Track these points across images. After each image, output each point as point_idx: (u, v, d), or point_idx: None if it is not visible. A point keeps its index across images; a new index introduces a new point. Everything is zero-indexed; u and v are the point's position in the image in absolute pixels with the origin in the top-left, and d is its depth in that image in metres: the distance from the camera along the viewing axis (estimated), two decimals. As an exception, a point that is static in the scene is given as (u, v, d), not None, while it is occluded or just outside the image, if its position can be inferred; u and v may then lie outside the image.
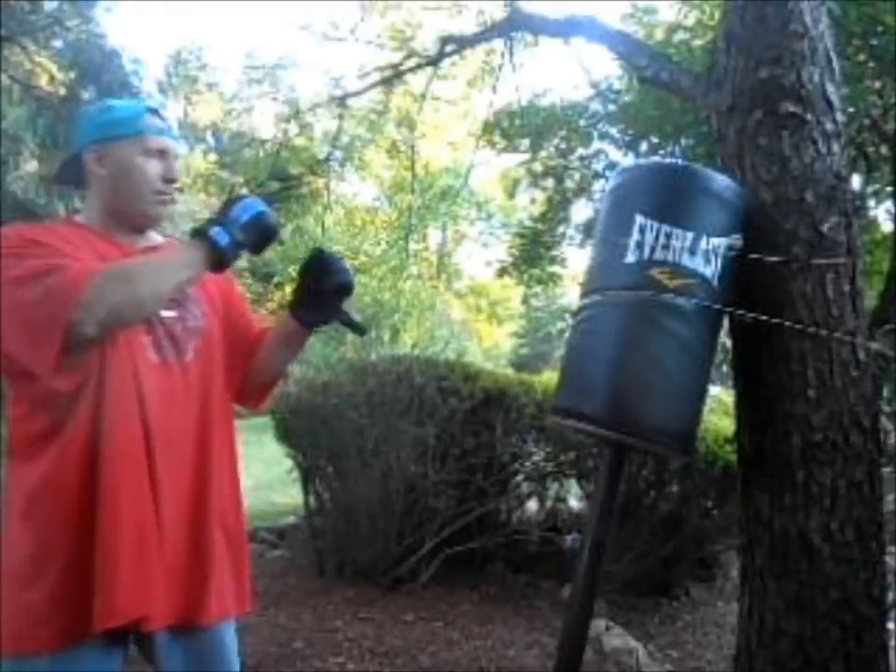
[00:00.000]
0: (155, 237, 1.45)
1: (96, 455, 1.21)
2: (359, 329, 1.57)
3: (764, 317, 1.72)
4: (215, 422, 1.36)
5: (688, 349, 1.67)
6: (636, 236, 1.67)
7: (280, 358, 1.53)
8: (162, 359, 1.29)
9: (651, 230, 1.66)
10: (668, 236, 1.65)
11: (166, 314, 1.31)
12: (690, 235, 1.65)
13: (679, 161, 1.97)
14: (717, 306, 1.68)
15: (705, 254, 1.66)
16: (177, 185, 1.41)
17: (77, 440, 1.21)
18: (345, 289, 1.41)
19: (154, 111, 1.40)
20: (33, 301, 1.16)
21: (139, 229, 1.40)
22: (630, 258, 1.66)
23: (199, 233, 1.25)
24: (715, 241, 1.68)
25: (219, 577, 1.33)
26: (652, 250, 1.65)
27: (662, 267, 1.63)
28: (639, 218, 1.67)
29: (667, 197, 1.71)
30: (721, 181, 1.75)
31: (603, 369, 1.67)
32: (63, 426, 1.21)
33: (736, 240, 1.72)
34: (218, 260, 1.25)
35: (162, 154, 1.37)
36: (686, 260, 1.65)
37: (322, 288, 1.39)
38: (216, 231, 1.23)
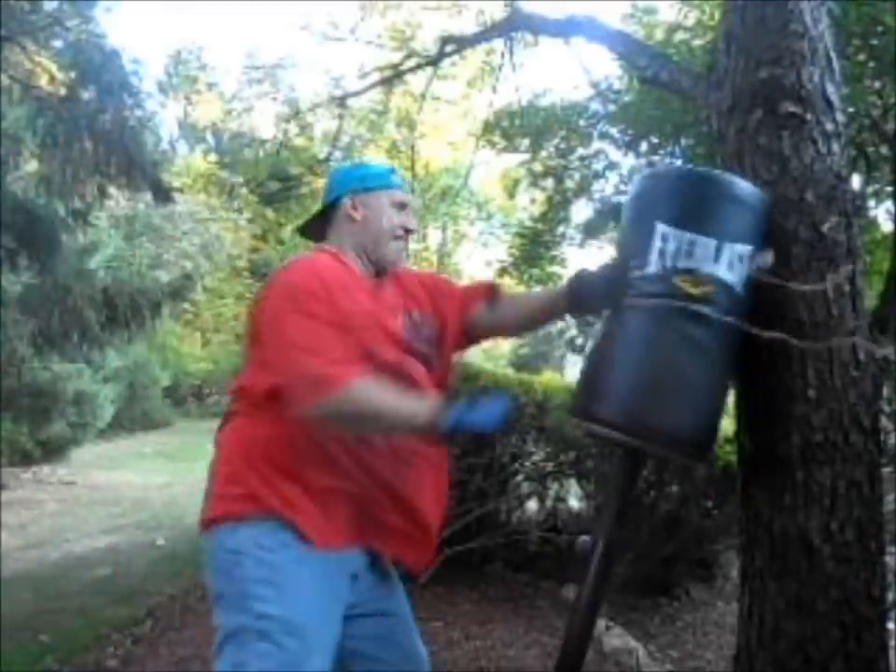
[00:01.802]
0: (389, 279, 1.65)
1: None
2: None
3: (782, 335, 1.71)
4: None
5: (710, 357, 1.66)
6: (658, 244, 1.66)
7: (528, 323, 1.84)
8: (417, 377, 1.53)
9: (674, 238, 1.65)
10: (692, 243, 1.64)
11: (416, 344, 1.56)
12: (713, 243, 1.64)
13: (700, 167, 1.95)
14: (738, 315, 1.68)
15: (728, 261, 1.65)
16: (413, 234, 1.65)
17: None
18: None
19: (394, 171, 1.68)
20: (294, 364, 1.38)
21: (379, 271, 1.61)
22: (653, 267, 1.65)
23: (445, 410, 1.38)
24: (738, 247, 1.66)
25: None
26: (675, 258, 1.64)
27: (684, 275, 1.63)
28: (661, 227, 1.66)
29: (689, 204, 1.70)
30: (743, 186, 1.73)
31: (623, 374, 1.67)
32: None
33: (767, 258, 1.73)
34: (437, 436, 1.42)
35: (404, 207, 1.62)
36: (710, 268, 1.64)
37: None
38: (451, 413, 1.37)
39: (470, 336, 1.73)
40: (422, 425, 1.39)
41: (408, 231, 1.61)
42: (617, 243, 1.92)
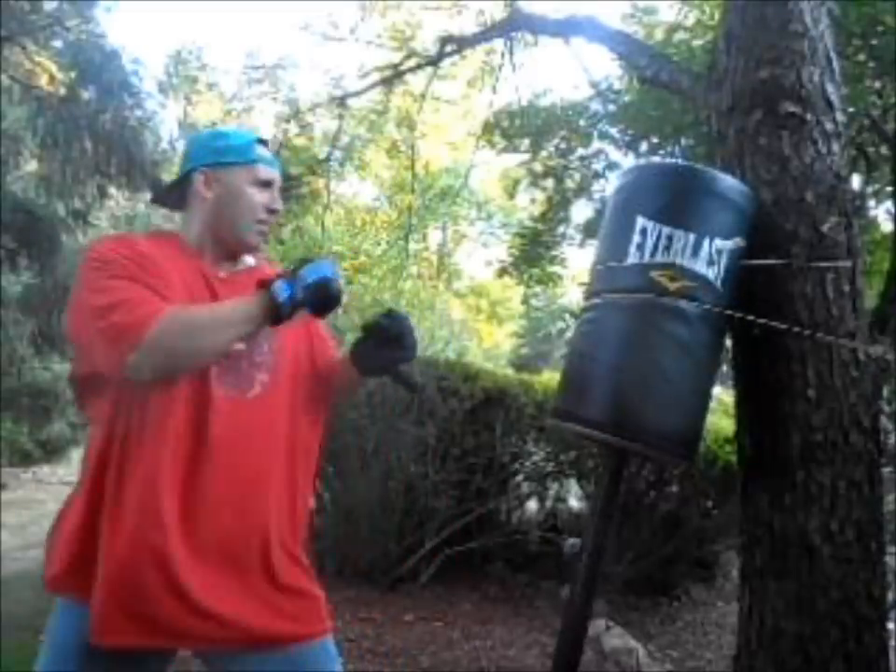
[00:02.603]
0: (247, 261, 1.46)
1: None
2: (412, 387, 1.50)
3: (763, 320, 1.71)
4: (282, 453, 1.36)
5: (690, 352, 1.65)
6: (636, 238, 1.65)
7: (337, 392, 1.52)
8: (225, 392, 1.29)
9: (652, 231, 1.64)
10: (669, 238, 1.63)
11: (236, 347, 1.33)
12: (692, 237, 1.63)
13: (683, 162, 1.94)
14: (716, 308, 1.66)
15: (708, 256, 1.64)
16: (279, 215, 1.44)
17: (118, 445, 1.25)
18: (406, 360, 1.38)
19: (263, 141, 1.45)
20: (96, 330, 1.21)
21: (233, 255, 1.42)
22: (630, 260, 1.64)
23: (264, 286, 1.24)
24: (719, 242, 1.65)
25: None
26: (653, 252, 1.63)
27: (662, 269, 1.61)
28: (640, 220, 1.65)
29: (669, 198, 1.69)
30: (725, 181, 1.73)
31: (604, 372, 1.66)
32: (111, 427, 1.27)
33: (738, 242, 1.70)
34: (276, 315, 1.24)
35: (269, 184, 1.40)
36: (688, 262, 1.62)
37: (384, 355, 1.36)
38: (278, 286, 1.22)
39: (326, 387, 1.49)
40: (258, 312, 1.22)
41: (272, 212, 1.41)
42: (599, 237, 1.90)
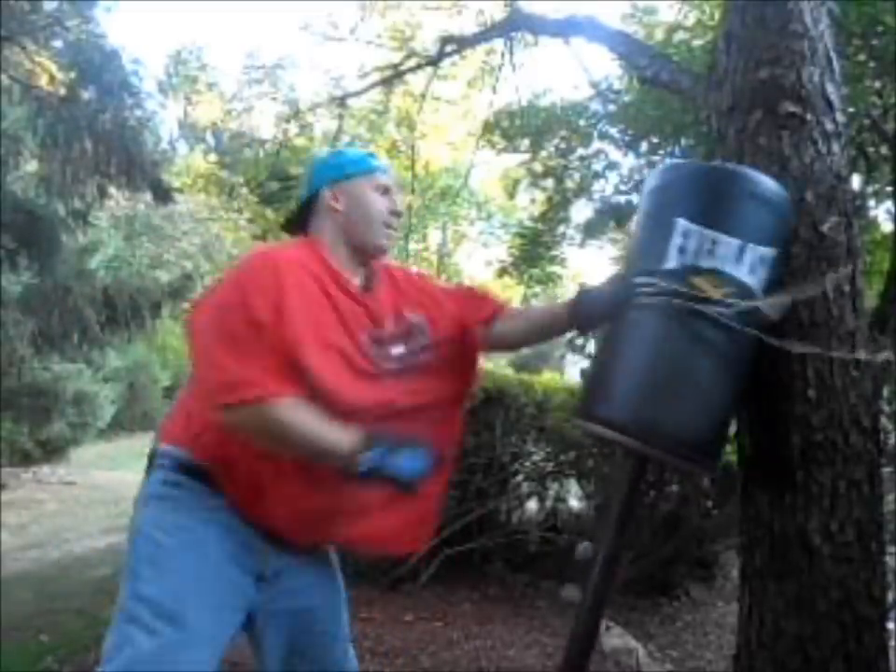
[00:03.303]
0: (374, 268, 1.57)
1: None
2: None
3: (802, 348, 1.69)
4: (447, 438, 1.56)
5: (727, 362, 1.59)
6: (678, 240, 1.58)
7: (530, 340, 1.77)
8: (398, 389, 1.44)
9: (696, 235, 1.57)
10: (714, 242, 1.57)
11: (395, 350, 1.48)
12: (736, 243, 1.57)
13: (726, 164, 1.88)
14: (753, 319, 1.59)
15: (751, 264, 1.58)
16: (402, 218, 1.59)
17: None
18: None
19: (373, 154, 1.62)
20: (207, 361, 1.32)
21: (367, 260, 1.54)
22: (671, 263, 1.58)
23: (365, 449, 1.32)
24: (762, 250, 1.59)
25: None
26: (696, 256, 1.57)
27: (705, 275, 1.55)
28: (683, 222, 1.58)
29: (714, 201, 1.62)
30: (769, 185, 1.67)
31: (634, 375, 1.61)
32: None
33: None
34: (351, 471, 1.34)
35: (388, 190, 1.55)
36: (731, 269, 1.56)
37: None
38: (368, 457, 1.32)
39: (474, 346, 1.65)
40: (339, 459, 1.32)
41: (396, 214, 1.55)
42: (633, 235, 1.83)
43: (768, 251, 1.62)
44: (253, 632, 1.49)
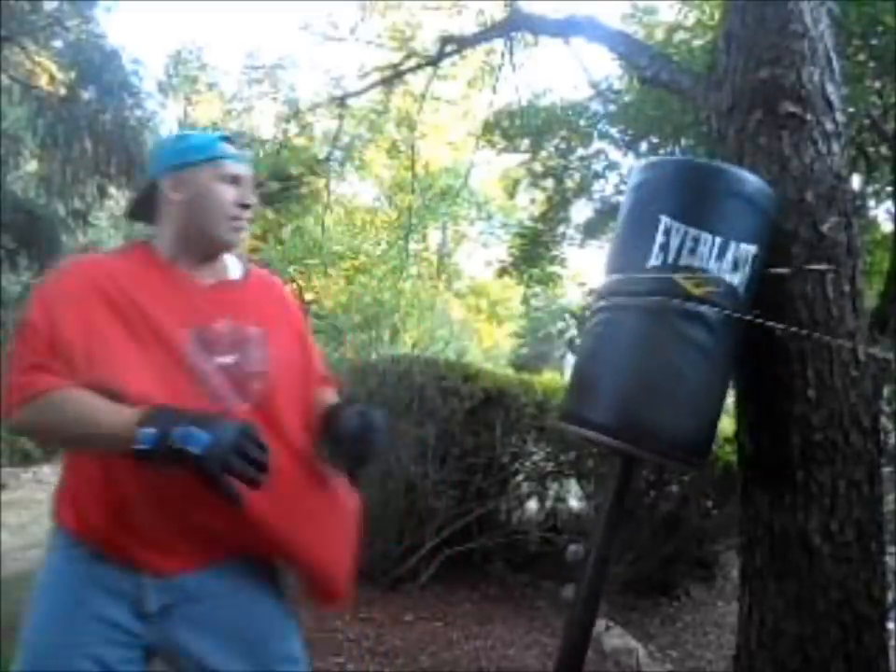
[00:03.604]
0: (225, 263, 1.43)
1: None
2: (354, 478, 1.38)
3: (794, 329, 1.67)
4: (282, 461, 1.29)
5: (710, 359, 1.59)
6: (660, 238, 1.58)
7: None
8: (217, 406, 1.27)
9: (678, 232, 1.57)
10: (696, 240, 1.57)
11: (222, 360, 1.30)
12: (718, 240, 1.57)
13: (707, 160, 1.87)
14: (737, 315, 1.61)
15: (733, 261, 1.58)
16: (251, 211, 1.40)
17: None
18: (364, 463, 1.33)
19: (227, 139, 1.42)
20: (12, 369, 1.24)
21: (211, 255, 1.39)
22: (654, 261, 1.58)
23: (146, 420, 1.14)
24: (744, 247, 1.60)
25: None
26: (678, 254, 1.57)
27: (687, 272, 1.55)
28: (665, 220, 1.59)
29: (696, 198, 1.63)
30: (752, 183, 1.67)
31: (617, 376, 1.61)
32: None
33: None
34: (130, 455, 1.15)
35: (237, 180, 1.37)
36: (713, 267, 1.56)
37: (341, 449, 1.32)
38: (142, 434, 1.12)
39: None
40: (116, 438, 1.14)
41: (244, 207, 1.37)
42: (616, 234, 1.84)
43: (751, 248, 1.62)
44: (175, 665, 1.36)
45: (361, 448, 1.30)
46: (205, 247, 1.37)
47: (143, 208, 1.44)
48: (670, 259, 1.58)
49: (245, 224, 1.39)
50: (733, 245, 1.59)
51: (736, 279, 1.60)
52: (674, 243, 1.58)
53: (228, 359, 1.30)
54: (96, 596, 1.29)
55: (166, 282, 1.32)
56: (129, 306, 1.27)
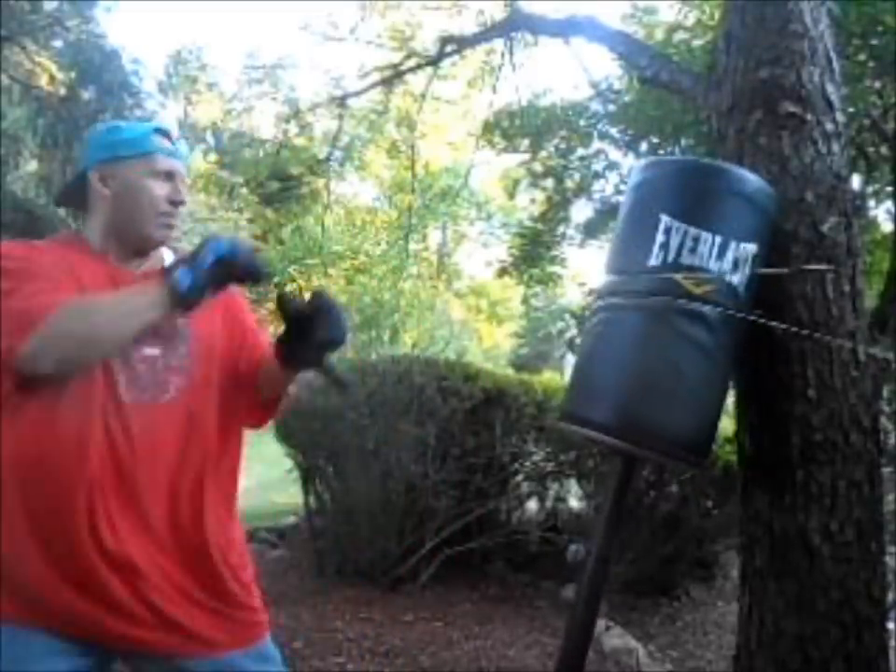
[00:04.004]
0: (161, 255, 1.39)
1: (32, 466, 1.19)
2: (343, 386, 1.44)
3: (794, 329, 1.67)
4: (197, 459, 1.31)
5: (711, 358, 1.59)
6: (661, 238, 1.58)
7: (266, 386, 1.44)
8: (136, 398, 1.25)
9: (678, 231, 1.57)
10: (696, 240, 1.57)
11: (148, 351, 1.27)
12: (718, 240, 1.57)
13: (708, 160, 1.87)
14: (740, 314, 1.61)
15: (734, 260, 1.59)
16: (183, 208, 1.36)
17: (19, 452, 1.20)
18: (334, 344, 1.29)
19: (163, 131, 1.37)
20: None
21: (140, 252, 1.35)
22: (654, 260, 1.58)
23: (167, 273, 1.19)
24: (745, 246, 1.60)
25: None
26: (678, 253, 1.57)
27: (688, 272, 1.55)
28: (665, 219, 1.59)
29: (696, 197, 1.63)
30: (753, 182, 1.67)
31: (618, 375, 1.61)
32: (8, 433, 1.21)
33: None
34: (180, 304, 1.19)
35: (170, 176, 1.33)
36: (714, 266, 1.57)
37: (309, 336, 1.26)
38: (178, 275, 1.17)
39: (250, 383, 1.41)
40: (161, 300, 1.17)
41: (174, 204, 1.33)
42: (616, 233, 1.84)
43: (751, 248, 1.62)
44: None
45: (324, 330, 1.25)
46: (134, 243, 1.34)
47: (74, 197, 1.41)
48: (670, 259, 1.58)
49: (177, 221, 1.35)
50: (733, 245, 1.59)
51: (736, 278, 1.60)
52: (674, 242, 1.58)
53: (153, 351, 1.28)
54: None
55: (97, 271, 1.29)
56: (72, 284, 1.24)
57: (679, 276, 1.56)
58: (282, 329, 1.31)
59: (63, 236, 1.42)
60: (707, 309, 1.57)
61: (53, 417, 1.19)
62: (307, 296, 1.29)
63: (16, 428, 1.20)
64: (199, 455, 1.30)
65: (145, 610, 1.22)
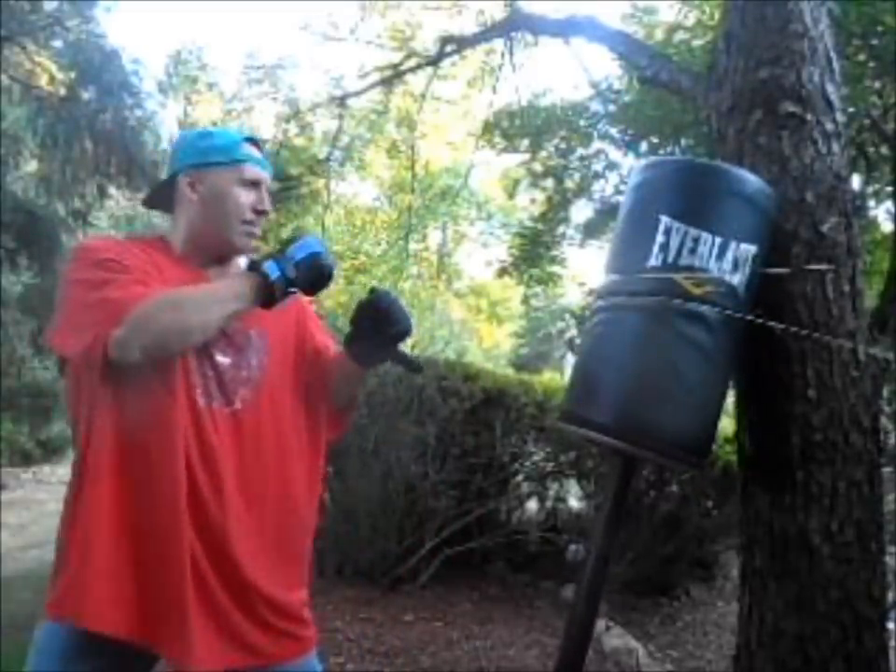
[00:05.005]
0: (239, 264, 1.41)
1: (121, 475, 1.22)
2: (416, 367, 1.51)
3: (795, 329, 1.68)
4: (271, 467, 1.33)
5: (710, 359, 1.59)
6: (660, 238, 1.58)
7: (342, 389, 1.47)
8: (207, 405, 1.27)
9: (678, 232, 1.58)
10: (696, 240, 1.57)
11: (221, 359, 1.30)
12: (718, 240, 1.57)
13: (708, 160, 1.88)
14: (739, 315, 1.61)
15: (733, 261, 1.59)
16: (267, 216, 1.40)
17: (102, 451, 1.23)
18: (404, 336, 1.35)
19: (252, 140, 1.41)
20: (85, 304, 1.20)
21: (221, 258, 1.38)
22: (654, 261, 1.58)
23: (253, 266, 1.24)
24: (745, 247, 1.60)
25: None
26: (678, 254, 1.57)
27: (687, 272, 1.55)
28: (665, 219, 1.59)
29: (696, 198, 1.63)
30: (753, 183, 1.67)
31: (618, 375, 1.61)
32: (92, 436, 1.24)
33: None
34: (268, 295, 1.23)
35: (256, 185, 1.37)
36: (713, 267, 1.57)
37: (380, 333, 1.32)
38: (268, 266, 1.22)
39: (323, 388, 1.45)
40: (248, 291, 1.21)
41: (259, 213, 1.37)
42: (616, 233, 1.84)
43: (751, 248, 1.62)
44: None
45: (391, 314, 1.31)
46: (217, 249, 1.37)
47: (161, 199, 1.44)
48: (670, 259, 1.58)
49: (259, 230, 1.39)
50: (733, 245, 1.59)
51: (736, 279, 1.60)
52: (674, 242, 1.58)
53: (225, 360, 1.30)
54: None
55: (180, 275, 1.32)
56: (158, 280, 1.28)
57: (678, 277, 1.56)
58: (351, 329, 1.36)
59: (147, 237, 1.45)
60: (706, 309, 1.57)
61: (144, 407, 1.23)
62: (369, 295, 1.35)
63: (110, 416, 1.23)
64: (258, 470, 1.32)
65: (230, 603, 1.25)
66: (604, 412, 1.61)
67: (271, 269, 1.21)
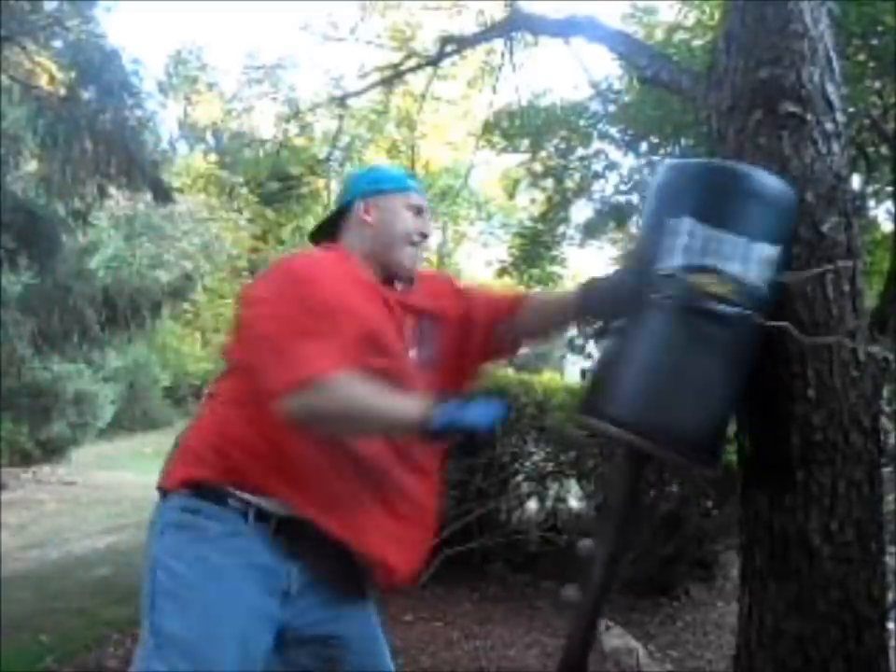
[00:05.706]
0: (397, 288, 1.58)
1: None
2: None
3: (809, 338, 1.69)
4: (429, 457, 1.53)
5: (731, 360, 1.61)
6: (683, 239, 1.60)
7: (544, 329, 1.78)
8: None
9: (700, 233, 1.59)
10: (719, 241, 1.58)
11: (411, 353, 1.50)
12: (741, 241, 1.59)
13: (733, 162, 1.89)
14: (759, 318, 1.62)
15: (757, 262, 1.60)
16: (428, 241, 1.62)
17: None
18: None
19: (412, 175, 1.68)
20: (277, 351, 1.30)
21: (391, 277, 1.55)
22: (676, 261, 1.59)
23: (435, 409, 1.29)
24: (767, 248, 1.61)
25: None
26: (701, 255, 1.58)
27: (709, 273, 1.57)
28: (688, 220, 1.60)
29: (718, 199, 1.64)
30: (773, 183, 1.69)
31: (639, 373, 1.62)
32: None
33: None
34: (423, 438, 1.32)
35: (420, 210, 1.57)
36: (735, 268, 1.58)
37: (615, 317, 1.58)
38: (439, 414, 1.28)
39: (489, 350, 1.68)
40: (409, 424, 1.30)
41: (423, 236, 1.57)
42: (638, 233, 1.87)
43: (772, 249, 1.63)
44: (283, 655, 1.44)
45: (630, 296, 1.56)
46: (387, 267, 1.53)
47: (327, 231, 1.61)
48: (693, 260, 1.59)
49: (422, 253, 1.62)
50: (756, 247, 1.60)
51: (758, 279, 1.61)
52: (696, 244, 1.60)
53: (413, 353, 1.50)
54: (253, 590, 1.35)
55: (371, 289, 1.47)
56: (371, 294, 1.45)
57: (701, 277, 1.58)
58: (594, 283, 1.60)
59: (334, 248, 1.56)
60: (727, 310, 1.58)
61: None
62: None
63: None
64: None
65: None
66: (624, 408, 1.62)
67: (438, 419, 1.28)
